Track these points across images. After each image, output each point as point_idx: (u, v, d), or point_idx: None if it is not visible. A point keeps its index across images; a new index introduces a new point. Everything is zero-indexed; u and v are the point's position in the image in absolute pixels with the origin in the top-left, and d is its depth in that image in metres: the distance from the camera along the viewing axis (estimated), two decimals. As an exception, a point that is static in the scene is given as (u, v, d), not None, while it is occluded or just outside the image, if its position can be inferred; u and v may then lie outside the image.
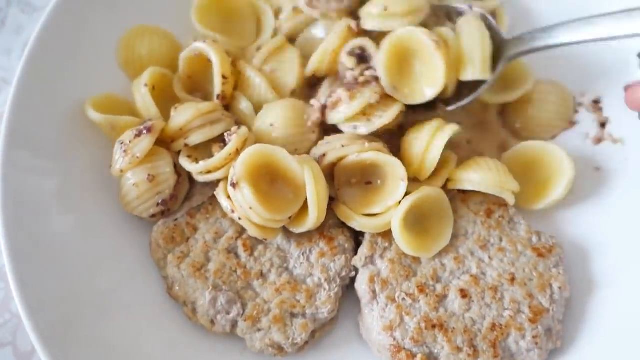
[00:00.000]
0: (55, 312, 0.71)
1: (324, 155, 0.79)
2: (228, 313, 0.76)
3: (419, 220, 0.79)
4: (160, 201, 0.80)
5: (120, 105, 0.87)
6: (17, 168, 0.76)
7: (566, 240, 0.83)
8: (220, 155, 0.78)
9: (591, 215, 0.84)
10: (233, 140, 0.78)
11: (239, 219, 0.76)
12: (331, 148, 0.79)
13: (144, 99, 0.84)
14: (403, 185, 0.76)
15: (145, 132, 0.79)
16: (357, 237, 0.82)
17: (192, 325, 0.78)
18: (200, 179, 0.81)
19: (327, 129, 0.84)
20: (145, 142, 0.79)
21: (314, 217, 0.75)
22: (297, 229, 0.78)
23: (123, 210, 0.82)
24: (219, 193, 0.78)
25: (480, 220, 0.81)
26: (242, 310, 0.76)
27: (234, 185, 0.73)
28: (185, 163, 0.81)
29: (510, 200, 0.81)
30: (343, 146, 0.78)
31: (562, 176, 0.82)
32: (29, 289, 0.70)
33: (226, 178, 0.78)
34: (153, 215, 0.81)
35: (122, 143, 0.80)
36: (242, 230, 0.80)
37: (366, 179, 0.81)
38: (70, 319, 0.72)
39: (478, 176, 0.79)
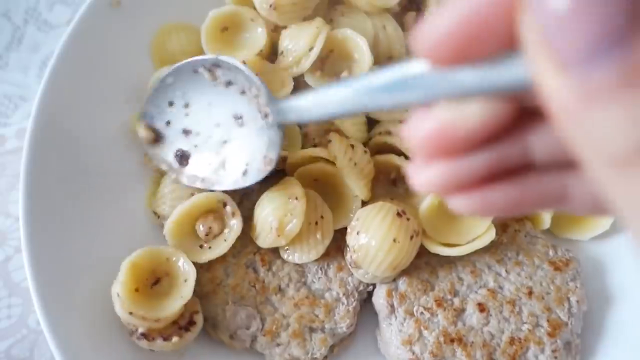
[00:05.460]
0: (75, 323, 0.72)
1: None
2: (248, 328, 0.76)
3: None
4: None
5: None
6: (39, 181, 0.76)
7: (582, 253, 0.83)
8: None
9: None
10: None
11: None
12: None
13: None
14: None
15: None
16: (374, 252, 0.83)
17: (212, 340, 0.78)
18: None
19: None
20: None
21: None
22: None
23: (142, 226, 0.83)
24: None
25: (497, 234, 0.81)
26: (261, 324, 0.76)
27: None
28: None
29: None
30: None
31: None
32: (50, 301, 0.71)
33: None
34: None
35: None
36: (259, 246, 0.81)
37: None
38: (89, 330, 0.73)
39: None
